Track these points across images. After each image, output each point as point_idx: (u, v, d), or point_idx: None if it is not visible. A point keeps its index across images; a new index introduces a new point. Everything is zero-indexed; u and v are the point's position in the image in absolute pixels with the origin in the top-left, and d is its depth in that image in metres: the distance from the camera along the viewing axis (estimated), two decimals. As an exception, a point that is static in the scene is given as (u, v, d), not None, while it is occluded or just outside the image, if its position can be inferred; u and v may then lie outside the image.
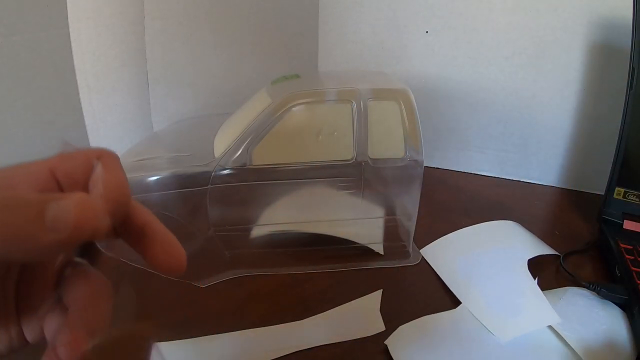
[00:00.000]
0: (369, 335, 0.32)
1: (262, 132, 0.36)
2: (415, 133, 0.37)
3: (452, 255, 0.41)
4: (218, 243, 0.39)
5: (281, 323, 0.33)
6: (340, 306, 0.34)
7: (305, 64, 0.66)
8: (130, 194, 0.19)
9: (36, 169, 0.17)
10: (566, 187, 0.58)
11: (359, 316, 0.33)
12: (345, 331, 0.32)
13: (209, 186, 0.36)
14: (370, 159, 0.37)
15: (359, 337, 0.31)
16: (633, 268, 0.37)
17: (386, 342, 0.31)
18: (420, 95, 0.38)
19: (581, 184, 0.57)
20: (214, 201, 0.37)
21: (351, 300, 0.36)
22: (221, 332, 0.32)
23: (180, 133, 0.49)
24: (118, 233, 0.19)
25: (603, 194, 0.47)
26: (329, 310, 0.34)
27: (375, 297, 0.35)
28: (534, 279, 0.36)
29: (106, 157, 0.18)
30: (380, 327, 0.32)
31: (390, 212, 0.40)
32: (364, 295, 0.36)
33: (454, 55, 0.58)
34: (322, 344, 0.31)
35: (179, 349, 0.31)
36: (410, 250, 0.42)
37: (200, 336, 0.32)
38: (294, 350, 0.30)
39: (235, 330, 0.32)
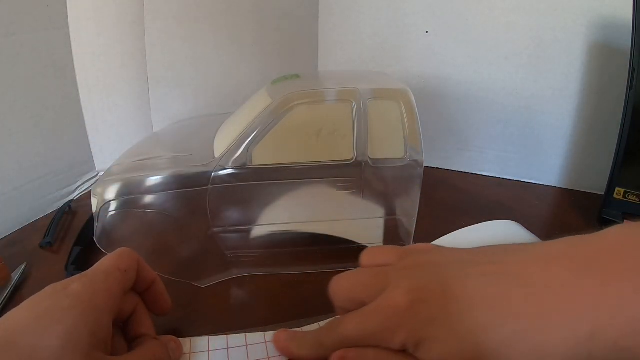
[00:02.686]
0: None
1: (262, 132, 0.36)
2: (415, 133, 0.37)
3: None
4: (218, 243, 0.39)
5: (281, 323, 0.33)
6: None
7: (305, 64, 0.66)
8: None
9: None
10: (566, 187, 0.58)
11: None
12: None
13: (209, 186, 0.36)
14: (370, 159, 0.37)
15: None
16: (633, 268, 0.37)
17: None
18: (420, 95, 0.38)
19: (581, 184, 0.57)
20: (214, 201, 0.37)
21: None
22: (221, 332, 0.32)
23: (180, 133, 0.49)
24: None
25: (603, 194, 0.47)
26: (328, 319, 0.34)
27: None
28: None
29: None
30: None
31: (390, 212, 0.40)
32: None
33: (454, 55, 0.58)
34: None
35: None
36: (410, 250, 0.42)
37: (200, 336, 0.32)
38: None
39: (236, 331, 0.32)
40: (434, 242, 0.43)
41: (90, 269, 0.26)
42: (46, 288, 0.24)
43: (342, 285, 0.27)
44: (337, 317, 0.26)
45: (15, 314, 0.22)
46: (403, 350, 0.23)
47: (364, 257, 0.29)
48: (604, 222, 0.47)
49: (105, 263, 0.27)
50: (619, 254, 0.20)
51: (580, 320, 0.19)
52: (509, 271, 0.22)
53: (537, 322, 0.20)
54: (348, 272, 0.27)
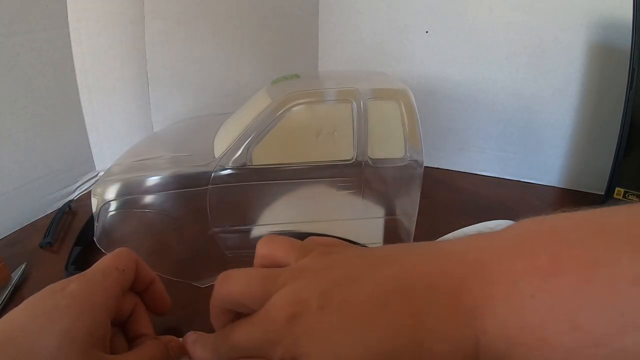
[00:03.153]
0: None
1: (262, 132, 0.36)
2: (415, 133, 0.37)
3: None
4: (218, 243, 0.39)
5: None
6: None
7: (305, 64, 0.66)
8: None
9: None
10: (566, 187, 0.58)
11: None
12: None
13: (209, 186, 0.36)
14: (370, 159, 0.37)
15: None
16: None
17: None
18: (420, 95, 0.38)
19: (581, 184, 0.57)
20: (214, 201, 0.37)
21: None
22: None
23: (180, 133, 0.49)
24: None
25: (603, 194, 0.47)
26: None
27: None
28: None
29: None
30: None
31: (390, 212, 0.40)
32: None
33: (454, 55, 0.58)
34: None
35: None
36: (410, 250, 0.42)
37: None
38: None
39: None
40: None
41: (89, 269, 0.26)
42: (45, 288, 0.24)
43: (229, 286, 0.25)
44: (230, 324, 0.25)
45: (13, 314, 0.22)
46: None
47: (261, 247, 0.27)
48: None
49: (103, 263, 0.27)
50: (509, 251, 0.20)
51: (464, 329, 0.19)
52: (398, 274, 0.21)
53: (415, 336, 0.19)
54: (235, 271, 0.25)
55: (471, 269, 0.20)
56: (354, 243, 0.41)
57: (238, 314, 0.25)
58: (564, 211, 0.20)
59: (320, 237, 0.28)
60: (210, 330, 0.32)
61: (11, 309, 0.23)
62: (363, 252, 0.25)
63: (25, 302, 0.23)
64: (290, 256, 0.25)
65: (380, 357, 0.19)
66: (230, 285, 0.25)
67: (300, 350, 0.20)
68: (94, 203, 0.37)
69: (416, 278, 0.21)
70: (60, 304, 0.23)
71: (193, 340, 0.27)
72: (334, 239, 0.27)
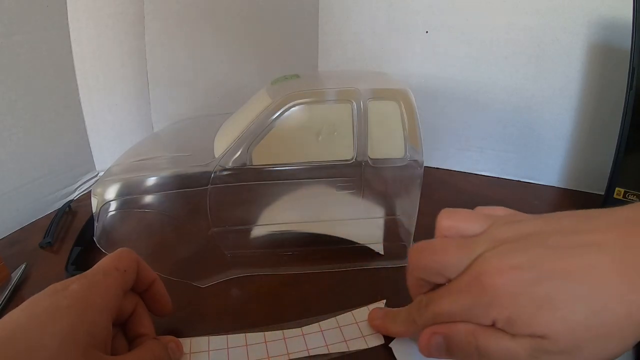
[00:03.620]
0: (368, 347, 0.31)
1: (262, 132, 0.36)
2: (415, 133, 0.37)
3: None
4: (218, 243, 0.39)
5: (281, 323, 0.33)
6: (341, 315, 0.34)
7: (305, 64, 0.66)
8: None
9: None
10: (566, 187, 0.58)
11: (359, 328, 0.33)
12: (341, 345, 0.31)
13: (209, 186, 0.36)
14: (370, 159, 0.37)
15: (358, 349, 0.31)
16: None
17: (391, 345, 0.31)
18: (420, 95, 0.38)
19: (581, 184, 0.57)
20: (214, 201, 0.37)
21: (351, 299, 0.36)
22: (221, 332, 0.32)
23: (180, 133, 0.49)
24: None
25: (603, 194, 0.47)
26: (328, 320, 0.34)
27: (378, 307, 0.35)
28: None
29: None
30: (379, 340, 0.32)
31: (390, 212, 0.40)
32: (364, 294, 0.36)
33: (454, 55, 0.58)
34: (319, 353, 0.31)
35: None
36: (410, 250, 0.42)
37: (200, 336, 0.32)
38: (289, 359, 0.30)
39: (235, 331, 0.32)
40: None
41: (90, 269, 0.26)
42: (46, 288, 0.24)
43: (424, 255, 0.26)
44: (425, 294, 0.27)
45: (14, 314, 0.22)
46: (492, 325, 0.23)
47: (444, 219, 0.28)
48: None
49: (104, 263, 0.27)
50: None
51: None
52: (596, 240, 0.22)
53: (617, 299, 0.20)
54: (428, 242, 0.27)
55: None
56: (354, 243, 0.41)
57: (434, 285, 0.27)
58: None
59: (497, 207, 0.29)
60: (211, 330, 0.33)
61: (11, 309, 0.23)
62: (546, 220, 0.25)
63: (26, 302, 0.23)
64: (474, 226, 0.26)
65: (603, 325, 0.20)
66: (427, 255, 0.26)
67: (517, 310, 0.22)
68: (94, 203, 0.37)
69: (623, 246, 0.21)
70: (61, 304, 0.23)
71: (381, 316, 0.30)
72: (508, 210, 0.28)
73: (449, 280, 0.26)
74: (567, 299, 0.21)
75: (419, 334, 0.26)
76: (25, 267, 0.40)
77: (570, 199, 0.56)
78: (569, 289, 0.21)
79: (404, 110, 0.37)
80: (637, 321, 0.20)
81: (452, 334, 0.25)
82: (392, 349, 0.31)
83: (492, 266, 0.23)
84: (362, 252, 0.41)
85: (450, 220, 0.27)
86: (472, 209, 0.27)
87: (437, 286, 0.27)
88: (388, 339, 0.32)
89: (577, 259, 0.22)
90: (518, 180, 0.60)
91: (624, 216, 0.23)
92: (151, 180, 0.36)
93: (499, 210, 0.28)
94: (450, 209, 0.28)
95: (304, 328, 0.33)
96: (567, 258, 0.22)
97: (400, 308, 0.30)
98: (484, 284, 0.23)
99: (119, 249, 0.28)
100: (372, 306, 0.35)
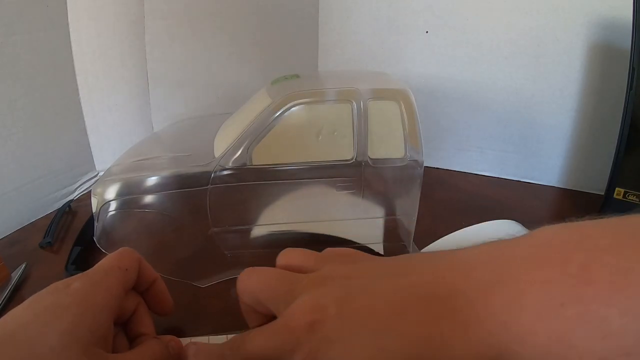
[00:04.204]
0: None
1: (262, 132, 0.36)
2: (415, 133, 0.37)
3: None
4: (218, 243, 0.39)
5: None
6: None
7: (305, 64, 0.66)
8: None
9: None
10: (566, 187, 0.58)
11: None
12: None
13: (209, 186, 0.36)
14: (370, 159, 0.37)
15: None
16: (633, 268, 0.37)
17: None
18: (420, 95, 0.38)
19: (581, 184, 0.57)
20: (214, 201, 0.37)
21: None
22: (221, 332, 0.32)
23: (180, 133, 0.49)
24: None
25: (603, 194, 0.47)
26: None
27: None
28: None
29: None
30: None
31: (390, 212, 0.40)
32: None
33: (454, 55, 0.58)
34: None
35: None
36: (411, 250, 0.42)
37: (200, 336, 0.32)
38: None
39: (235, 331, 0.32)
40: (435, 242, 0.43)
41: (92, 268, 0.26)
42: (48, 287, 0.24)
43: (250, 282, 0.26)
44: (242, 333, 0.25)
45: (16, 312, 0.22)
46: None
47: (280, 258, 0.28)
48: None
49: (106, 262, 0.27)
50: (543, 255, 0.19)
51: (487, 337, 0.18)
52: (417, 282, 0.21)
53: (433, 344, 0.19)
54: (260, 268, 0.26)
55: (497, 276, 0.19)
56: (354, 243, 0.41)
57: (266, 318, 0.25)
58: (592, 218, 0.20)
59: (338, 248, 0.28)
60: (210, 329, 0.33)
61: (11, 309, 0.23)
62: (382, 261, 0.25)
63: (28, 300, 0.23)
64: (307, 266, 0.26)
65: None
66: (252, 280, 0.26)
67: (320, 356, 0.21)
68: (94, 203, 0.37)
69: (436, 285, 0.21)
70: (62, 302, 0.23)
71: (194, 352, 0.26)
72: (352, 249, 0.28)
73: (272, 317, 0.24)
74: (354, 339, 0.20)
75: None
76: (25, 267, 0.40)
77: (570, 199, 0.56)
78: (358, 330, 0.20)
79: (404, 110, 0.37)
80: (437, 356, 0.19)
81: None
82: None
83: (299, 306, 0.22)
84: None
85: (284, 260, 0.27)
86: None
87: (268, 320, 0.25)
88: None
89: (362, 300, 0.21)
90: (518, 180, 0.60)
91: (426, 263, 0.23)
92: (151, 180, 0.36)
93: (346, 252, 0.27)
94: (289, 248, 0.28)
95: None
96: (357, 299, 0.21)
97: (214, 344, 0.26)
98: (291, 326, 0.22)
99: (120, 248, 0.28)
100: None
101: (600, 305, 0.16)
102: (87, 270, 0.26)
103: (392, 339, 0.20)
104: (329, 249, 0.28)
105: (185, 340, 0.31)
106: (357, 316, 0.21)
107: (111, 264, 0.27)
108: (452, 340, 0.19)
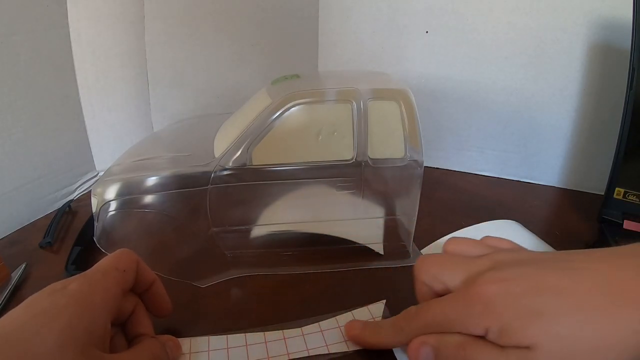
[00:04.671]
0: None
1: (262, 132, 0.36)
2: (415, 133, 0.37)
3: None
4: (218, 243, 0.39)
5: (281, 323, 0.33)
6: (341, 315, 0.34)
7: (305, 64, 0.66)
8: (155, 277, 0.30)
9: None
10: (566, 187, 0.58)
11: None
12: (342, 345, 0.31)
13: (209, 186, 0.36)
14: (370, 159, 0.37)
15: (357, 349, 0.31)
16: (633, 268, 0.37)
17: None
18: (420, 95, 0.38)
19: (581, 184, 0.57)
20: (214, 201, 0.37)
21: (351, 299, 0.36)
22: (221, 332, 0.32)
23: (180, 133, 0.49)
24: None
25: (603, 194, 0.47)
26: (328, 320, 0.34)
27: (378, 308, 0.35)
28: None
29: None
30: None
31: (390, 212, 0.40)
32: (364, 294, 0.36)
33: (454, 55, 0.58)
34: (319, 353, 0.31)
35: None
36: (410, 250, 0.42)
37: (200, 336, 0.32)
38: (289, 359, 0.30)
39: (236, 331, 0.32)
40: (436, 242, 0.43)
41: (90, 269, 0.26)
42: (45, 288, 0.24)
43: (431, 262, 0.28)
44: (413, 306, 0.28)
45: (13, 313, 0.23)
46: (482, 337, 0.23)
47: (448, 245, 0.30)
48: (604, 222, 0.47)
49: (104, 263, 0.27)
50: None
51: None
52: (584, 267, 0.23)
53: (601, 313, 0.21)
54: (435, 254, 0.29)
55: None
56: (354, 243, 0.41)
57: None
58: None
59: (498, 238, 0.31)
60: (210, 329, 0.32)
61: (11, 309, 0.23)
62: (548, 254, 0.27)
63: (25, 301, 0.23)
64: (474, 252, 0.28)
65: (591, 338, 0.21)
66: (432, 260, 0.28)
67: (510, 321, 0.22)
68: (94, 203, 0.37)
69: (621, 278, 0.22)
70: (60, 303, 0.23)
71: (359, 326, 0.30)
72: (511, 242, 0.30)
73: (448, 291, 0.26)
74: (553, 312, 0.22)
75: (408, 344, 0.26)
76: (25, 267, 0.40)
77: (570, 199, 0.56)
78: (555, 302, 0.22)
79: (404, 110, 0.37)
80: (626, 337, 0.20)
81: (442, 345, 0.25)
82: (394, 351, 0.31)
83: (485, 278, 0.24)
84: (362, 252, 0.41)
85: (453, 246, 0.30)
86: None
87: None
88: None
89: (566, 277, 0.23)
90: (518, 180, 0.60)
91: (617, 251, 0.24)
92: (151, 180, 0.36)
93: (505, 243, 0.30)
94: (458, 237, 0.31)
95: (304, 328, 0.33)
96: (557, 276, 0.23)
97: (383, 320, 0.30)
98: (476, 293, 0.24)
99: (118, 250, 0.28)
100: (371, 306, 0.35)
101: None
102: (85, 272, 0.26)
103: (592, 311, 0.21)
104: (489, 237, 0.31)
105: (184, 341, 0.31)
106: (543, 289, 0.23)
107: (109, 265, 0.27)
108: None
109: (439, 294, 0.27)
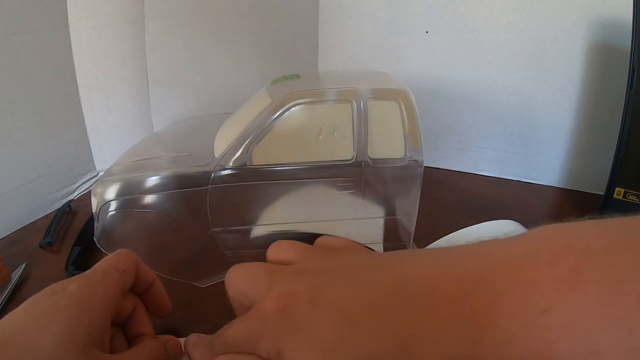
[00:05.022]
0: None
1: (262, 132, 0.36)
2: (415, 133, 0.37)
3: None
4: (218, 243, 0.39)
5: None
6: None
7: (305, 64, 0.66)
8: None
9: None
10: (566, 187, 0.58)
11: None
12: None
13: (209, 186, 0.36)
14: (370, 159, 0.37)
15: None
16: (633, 268, 0.37)
17: None
18: (420, 95, 0.38)
19: (581, 184, 0.57)
20: (214, 201, 0.37)
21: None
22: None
23: (180, 133, 0.49)
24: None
25: (603, 194, 0.47)
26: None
27: None
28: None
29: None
30: None
31: (390, 212, 0.40)
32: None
33: (454, 55, 0.58)
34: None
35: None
36: (410, 250, 0.42)
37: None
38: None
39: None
40: (437, 242, 0.43)
41: (89, 269, 0.26)
42: (45, 289, 0.24)
43: (236, 276, 0.26)
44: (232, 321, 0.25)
45: (13, 315, 0.23)
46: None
47: (270, 251, 0.28)
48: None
49: (103, 264, 0.27)
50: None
51: (460, 341, 0.18)
52: (394, 277, 0.21)
53: (404, 342, 0.18)
54: (247, 263, 0.26)
55: (477, 276, 0.18)
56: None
57: None
58: (590, 218, 0.18)
59: (332, 237, 0.28)
60: (210, 329, 0.32)
61: (11, 309, 0.23)
62: (366, 255, 0.25)
63: (25, 302, 0.23)
64: (295, 259, 0.26)
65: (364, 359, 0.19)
66: (238, 274, 0.26)
67: (285, 343, 0.20)
68: (94, 203, 0.37)
69: (412, 281, 0.20)
70: (59, 304, 0.23)
71: (193, 342, 0.27)
72: (347, 240, 0.28)
73: None
74: (315, 329, 0.20)
75: None
76: (25, 267, 0.40)
77: (570, 199, 0.56)
78: (322, 319, 0.20)
79: (404, 110, 0.37)
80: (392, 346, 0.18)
81: None
82: None
83: (273, 292, 0.22)
84: (362, 252, 0.41)
85: (272, 253, 0.28)
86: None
87: None
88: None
89: (334, 292, 0.21)
90: (518, 180, 0.60)
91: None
92: (151, 180, 0.36)
93: (339, 243, 0.27)
94: (278, 241, 0.28)
95: None
96: (328, 291, 0.21)
97: (209, 336, 0.27)
98: (258, 312, 0.22)
99: (118, 250, 0.28)
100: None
101: (588, 314, 0.15)
102: (84, 272, 0.26)
103: (359, 333, 0.19)
104: (323, 237, 0.28)
105: (184, 340, 0.31)
106: (325, 307, 0.21)
107: (108, 265, 0.27)
108: (424, 340, 0.18)
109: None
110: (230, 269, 0.26)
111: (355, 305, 0.20)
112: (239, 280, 0.25)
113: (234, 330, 0.23)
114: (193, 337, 0.27)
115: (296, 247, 0.27)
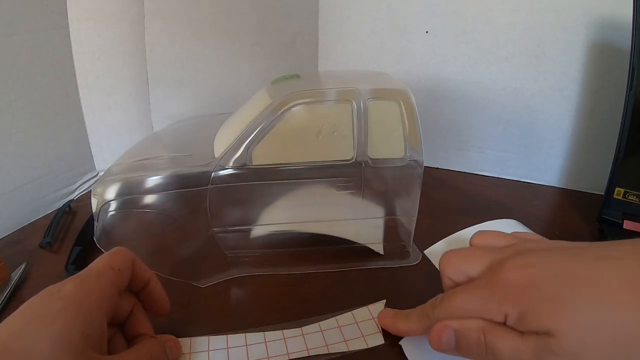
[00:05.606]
0: (368, 347, 0.31)
1: (262, 132, 0.36)
2: (415, 133, 0.37)
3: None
4: (218, 243, 0.39)
5: (281, 323, 0.33)
6: (341, 315, 0.34)
7: (305, 64, 0.66)
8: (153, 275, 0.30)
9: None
10: (566, 187, 0.58)
11: (359, 328, 0.33)
12: (341, 345, 0.31)
13: (209, 186, 0.36)
14: (370, 159, 0.37)
15: (357, 349, 0.31)
16: (633, 268, 0.37)
17: (400, 342, 0.31)
18: (420, 95, 0.38)
19: (581, 184, 0.57)
20: (214, 201, 0.37)
21: (351, 299, 0.36)
22: (221, 332, 0.32)
23: (180, 133, 0.49)
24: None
25: (603, 194, 0.47)
26: (328, 320, 0.34)
27: (378, 308, 0.35)
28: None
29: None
30: (379, 340, 0.32)
31: (390, 212, 0.40)
32: (364, 294, 0.36)
33: (454, 55, 0.58)
34: (319, 353, 0.31)
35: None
36: (410, 250, 0.42)
37: (200, 336, 0.32)
38: (289, 359, 0.30)
39: (236, 331, 0.32)
40: (439, 242, 0.43)
41: (84, 269, 0.26)
42: (41, 292, 0.24)
43: (455, 257, 0.28)
44: (440, 294, 0.28)
45: (9, 320, 0.22)
46: (503, 323, 0.24)
47: (475, 238, 0.31)
48: (603, 222, 0.46)
49: (98, 263, 0.27)
50: None
51: None
52: (612, 259, 0.23)
53: (625, 307, 0.20)
54: (459, 249, 0.29)
55: None
56: (354, 243, 0.41)
57: None
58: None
59: (526, 233, 0.31)
60: (210, 329, 0.33)
61: (11, 309, 0.23)
62: (573, 244, 0.27)
63: (21, 306, 0.23)
64: (500, 244, 0.28)
65: (608, 334, 0.20)
66: (457, 255, 0.28)
67: (528, 306, 0.22)
68: (94, 203, 0.37)
69: None
70: (54, 306, 0.23)
71: (391, 314, 0.31)
72: (536, 235, 0.31)
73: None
74: (575, 299, 0.21)
75: (430, 329, 0.27)
76: (25, 267, 0.40)
77: (570, 199, 0.56)
78: (579, 290, 0.22)
79: (404, 110, 0.37)
80: None
81: (463, 329, 0.25)
82: (402, 346, 0.31)
83: (508, 264, 0.24)
84: (362, 252, 0.41)
85: (479, 239, 0.31)
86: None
87: None
88: (388, 339, 0.32)
89: (591, 268, 0.22)
90: (518, 180, 0.60)
91: None
92: (151, 180, 0.36)
93: (533, 236, 0.30)
94: (484, 230, 0.31)
95: (304, 328, 0.33)
96: (583, 265, 0.23)
97: (411, 309, 0.30)
98: (498, 279, 0.24)
99: (113, 248, 0.28)
100: (371, 306, 0.35)
101: None
102: (80, 272, 0.26)
103: (616, 312, 0.21)
104: (518, 233, 0.31)
105: (184, 340, 0.31)
106: (571, 280, 0.22)
107: (103, 264, 0.27)
108: None
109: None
110: (444, 254, 0.29)
111: (587, 273, 0.22)
112: (459, 261, 0.28)
113: (465, 297, 0.26)
114: (389, 311, 0.32)
115: (500, 235, 0.30)
